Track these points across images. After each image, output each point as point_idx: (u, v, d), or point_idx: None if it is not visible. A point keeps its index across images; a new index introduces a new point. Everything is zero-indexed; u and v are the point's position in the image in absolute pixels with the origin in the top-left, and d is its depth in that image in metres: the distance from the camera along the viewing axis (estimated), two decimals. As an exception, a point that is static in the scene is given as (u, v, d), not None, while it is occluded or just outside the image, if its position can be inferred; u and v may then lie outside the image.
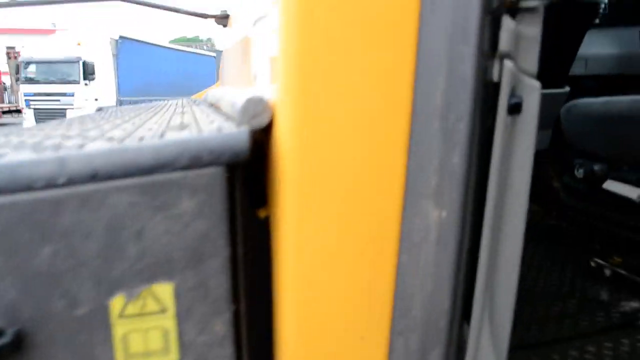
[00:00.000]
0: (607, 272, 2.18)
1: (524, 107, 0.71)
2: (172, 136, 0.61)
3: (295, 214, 0.67)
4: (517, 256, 0.77)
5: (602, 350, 1.69)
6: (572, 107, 2.25)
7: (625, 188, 2.16)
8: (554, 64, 2.42)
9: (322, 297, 0.71)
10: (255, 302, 0.71)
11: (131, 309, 0.61)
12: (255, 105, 0.66)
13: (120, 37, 16.25)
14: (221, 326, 0.64)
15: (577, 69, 2.55)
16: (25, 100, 14.87)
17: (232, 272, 0.64)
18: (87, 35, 15.60)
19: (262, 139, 0.72)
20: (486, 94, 0.70)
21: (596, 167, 2.23)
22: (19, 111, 16.58)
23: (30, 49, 15.69)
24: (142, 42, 17.44)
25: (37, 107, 14.54)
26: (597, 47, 2.65)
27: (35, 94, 14.67)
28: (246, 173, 0.69)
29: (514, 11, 0.71)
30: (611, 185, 2.21)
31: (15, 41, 20.56)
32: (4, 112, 19.36)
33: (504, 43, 0.69)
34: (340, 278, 0.71)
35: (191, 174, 0.59)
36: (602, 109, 2.15)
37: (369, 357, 0.75)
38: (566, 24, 2.31)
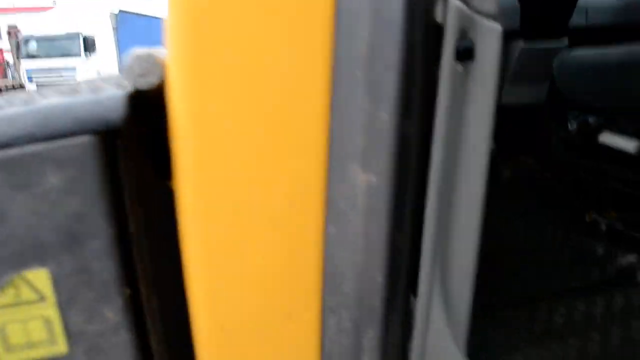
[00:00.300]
0: (603, 226, 2.10)
1: (478, 52, 0.61)
2: (39, 104, 0.54)
3: (196, 183, 0.59)
4: (475, 222, 0.69)
5: (592, 306, 1.63)
6: (566, 57, 2.13)
7: (622, 140, 2.06)
8: (552, 14, 2.29)
9: (240, 273, 0.64)
10: (164, 283, 0.65)
11: (4, 298, 0.54)
12: (142, 62, 0.58)
13: (120, 11, 16.14)
14: (112, 313, 0.58)
15: (576, 19, 2.41)
16: (28, 76, 14.91)
17: (122, 254, 0.57)
18: (87, 10, 15.54)
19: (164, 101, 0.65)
20: (426, 38, 0.60)
21: (590, 119, 2.13)
22: (22, 87, 16.57)
23: (30, 25, 15.66)
24: (141, 15, 17.26)
25: (39, 82, 14.55)
26: None
27: (36, 70, 14.69)
28: (144, 141, 0.62)
29: None
30: (607, 138, 2.11)
31: (17, 20, 20.41)
32: (7, 89, 19.39)
33: None
34: (260, 249, 0.64)
35: (54, 145, 0.51)
36: (597, 59, 2.03)
37: (298, 336, 0.69)
38: None
